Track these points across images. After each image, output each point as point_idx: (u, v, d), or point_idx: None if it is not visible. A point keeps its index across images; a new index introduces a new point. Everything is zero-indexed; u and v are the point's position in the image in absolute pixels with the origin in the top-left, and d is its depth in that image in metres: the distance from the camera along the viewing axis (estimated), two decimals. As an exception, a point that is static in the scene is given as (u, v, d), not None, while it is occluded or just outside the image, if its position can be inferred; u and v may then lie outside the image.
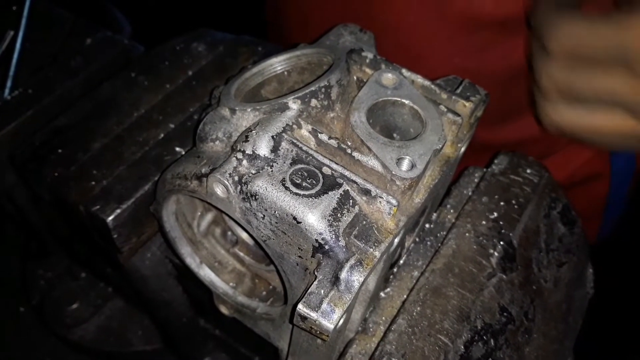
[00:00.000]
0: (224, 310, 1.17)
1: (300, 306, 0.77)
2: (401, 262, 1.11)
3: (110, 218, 1.10)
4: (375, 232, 0.82)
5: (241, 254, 1.13)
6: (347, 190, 0.83)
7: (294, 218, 0.80)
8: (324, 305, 0.77)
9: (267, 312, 1.07)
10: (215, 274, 1.15)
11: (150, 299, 1.53)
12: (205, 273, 1.14)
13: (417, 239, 1.13)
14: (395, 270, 1.09)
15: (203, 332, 1.73)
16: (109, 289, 1.90)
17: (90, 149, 1.22)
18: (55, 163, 1.20)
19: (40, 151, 1.24)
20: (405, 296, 1.04)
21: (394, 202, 0.81)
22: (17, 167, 1.36)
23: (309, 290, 0.78)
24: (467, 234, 1.05)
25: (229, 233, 1.18)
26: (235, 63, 1.39)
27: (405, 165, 0.83)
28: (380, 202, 0.82)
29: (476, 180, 1.21)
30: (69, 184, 1.15)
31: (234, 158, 0.85)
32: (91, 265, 1.82)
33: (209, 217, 1.15)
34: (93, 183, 1.14)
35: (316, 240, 0.80)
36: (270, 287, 1.17)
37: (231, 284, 1.16)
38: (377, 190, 0.82)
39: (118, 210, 1.10)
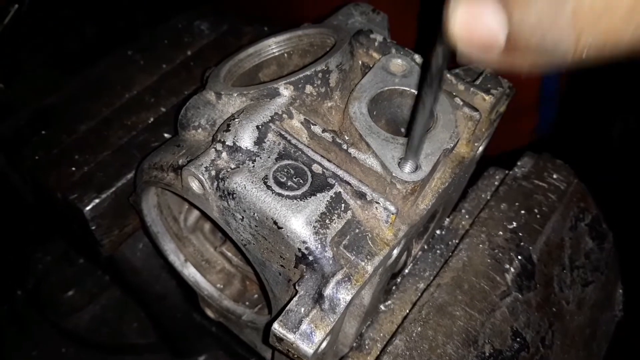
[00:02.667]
0: (209, 313, 1.08)
1: (275, 325, 0.66)
2: (406, 271, 1.00)
3: (88, 208, 1.01)
4: (370, 242, 0.70)
5: (229, 253, 1.03)
6: (340, 192, 0.72)
7: (275, 222, 0.69)
8: (304, 326, 0.66)
9: (253, 321, 0.97)
10: (202, 274, 1.05)
11: (142, 292, 1.45)
12: (190, 272, 1.04)
13: (425, 247, 1.02)
14: (399, 280, 0.98)
15: (199, 329, 1.64)
16: (105, 277, 1.82)
17: (75, 132, 1.13)
18: (36, 145, 1.11)
19: (23, 131, 1.15)
20: (408, 311, 0.92)
21: (392, 208, 0.70)
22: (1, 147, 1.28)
23: (288, 307, 0.67)
24: (480, 245, 0.93)
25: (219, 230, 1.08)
26: (239, 43, 1.28)
27: (408, 166, 0.71)
28: (376, 208, 0.71)
29: (496, 183, 1.08)
30: (49, 169, 1.07)
31: (213, 149, 0.74)
32: (86, 251, 1.74)
33: (197, 211, 1.04)
34: (73, 169, 1.05)
35: (299, 249, 0.69)
36: (262, 291, 1.07)
37: (219, 285, 1.06)
38: (374, 194, 0.71)
39: (97, 200, 1.01)
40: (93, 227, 1.03)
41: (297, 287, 0.68)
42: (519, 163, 1.06)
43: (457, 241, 1.01)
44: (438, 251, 1.01)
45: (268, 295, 0.83)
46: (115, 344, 1.76)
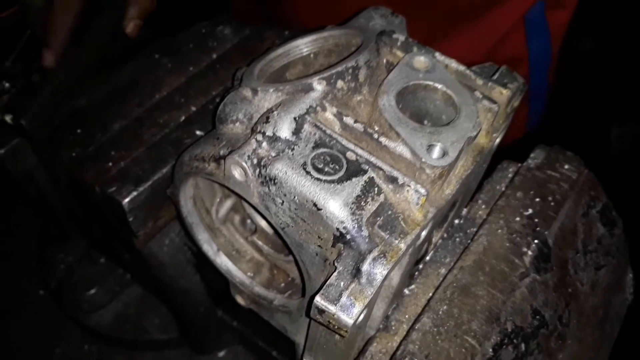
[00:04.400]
0: (240, 300, 1.13)
1: (318, 298, 0.71)
2: (427, 258, 1.05)
3: (127, 200, 1.06)
4: (402, 223, 0.76)
5: (260, 242, 1.08)
6: (372, 177, 0.78)
7: (315, 204, 0.75)
8: (344, 299, 0.71)
9: (285, 305, 1.02)
10: (233, 263, 1.11)
11: (167, 286, 1.50)
12: (223, 261, 1.10)
13: (445, 235, 1.07)
14: (420, 266, 1.03)
15: (220, 323, 1.69)
16: (127, 275, 1.87)
17: (109, 130, 1.18)
18: (72, 143, 1.17)
19: (58, 132, 1.21)
20: (430, 294, 0.98)
21: (422, 191, 0.76)
22: (36, 148, 1.34)
23: (328, 282, 0.73)
24: (499, 231, 0.98)
25: (248, 221, 1.13)
26: (261, 47, 1.34)
27: (436, 152, 0.77)
28: (407, 191, 0.77)
29: (510, 175, 1.14)
30: (86, 165, 1.12)
31: (254, 140, 0.80)
32: (110, 250, 1.79)
33: (228, 203, 1.10)
34: (110, 164, 1.11)
35: (337, 229, 0.74)
36: (289, 278, 1.12)
37: (249, 273, 1.12)
38: (405, 178, 0.77)
39: (134, 193, 1.07)
40: (131, 219, 1.08)
41: (336, 264, 0.74)
42: (532, 155, 1.12)
43: (475, 229, 1.06)
44: (457, 239, 1.06)
45: (301, 279, 0.89)
46: (136, 340, 1.81)
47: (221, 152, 0.85)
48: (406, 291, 1.00)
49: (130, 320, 1.83)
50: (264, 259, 1.12)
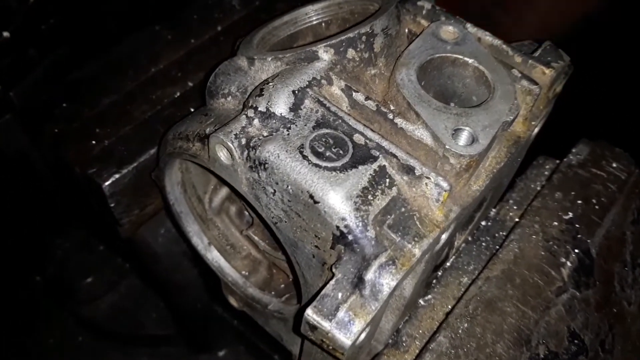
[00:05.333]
0: (232, 302, 1.00)
1: (309, 311, 0.58)
2: (448, 264, 0.91)
3: (107, 183, 0.94)
4: (417, 223, 0.62)
5: (256, 237, 0.95)
6: (384, 165, 0.64)
7: (311, 196, 0.61)
8: (341, 314, 0.58)
9: (280, 311, 0.89)
10: (226, 259, 0.98)
11: (161, 280, 1.39)
12: (214, 257, 0.97)
13: (469, 238, 0.93)
14: (439, 273, 0.90)
15: (220, 322, 1.57)
16: (126, 265, 1.77)
17: (98, 105, 1.07)
18: (57, 118, 1.05)
19: (46, 105, 1.10)
20: (450, 307, 0.84)
21: (445, 185, 0.62)
22: (24, 124, 1.23)
23: (323, 292, 0.59)
24: (533, 237, 0.84)
25: (246, 212, 1.00)
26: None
27: (463, 138, 0.63)
28: (426, 184, 0.63)
29: (547, 172, 0.99)
30: (68, 142, 1.01)
31: (244, 116, 0.67)
32: (108, 238, 1.68)
33: (224, 192, 0.97)
34: (93, 143, 0.99)
35: (337, 227, 0.61)
36: (290, 280, 0.99)
37: (243, 272, 0.99)
38: (424, 169, 0.63)
39: (117, 175, 0.95)
40: (112, 205, 0.97)
41: (334, 270, 0.60)
42: (574, 150, 0.97)
43: (504, 233, 0.93)
44: (483, 243, 0.92)
45: (298, 282, 0.75)
46: (132, 334, 1.71)
47: (207, 130, 0.72)
48: (421, 302, 0.87)
49: (126, 313, 1.73)
50: (261, 256, 0.99)
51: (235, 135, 0.65)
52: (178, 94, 1.06)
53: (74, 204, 1.57)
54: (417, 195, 0.64)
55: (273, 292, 0.98)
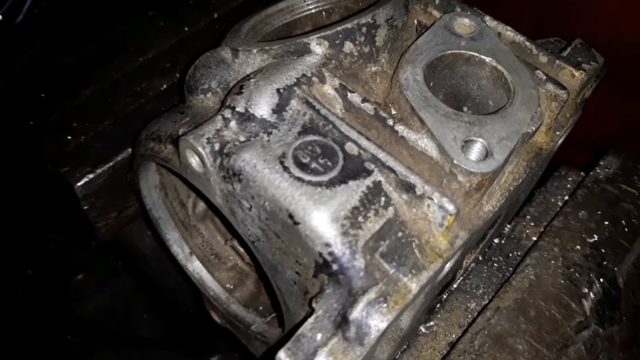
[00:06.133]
0: (215, 318, 0.91)
1: (281, 355, 0.49)
2: (455, 285, 0.81)
3: (80, 184, 0.85)
4: (416, 251, 0.52)
5: (242, 249, 0.86)
6: (380, 181, 0.54)
7: (290, 216, 0.51)
8: (319, 359, 0.48)
9: (263, 334, 0.80)
10: (209, 271, 0.89)
11: (150, 283, 1.30)
12: (195, 268, 0.88)
13: (480, 258, 0.83)
14: (445, 296, 0.80)
15: (213, 327, 1.48)
16: (118, 262, 1.68)
17: (78, 96, 0.98)
18: (33, 110, 0.96)
19: (23, 96, 1.01)
20: (454, 336, 0.75)
21: (450, 208, 0.52)
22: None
23: (300, 331, 0.50)
24: (552, 262, 0.74)
25: (233, 220, 0.91)
26: (273, 7, 1.12)
27: (475, 151, 0.53)
28: (429, 205, 0.53)
29: (570, 186, 0.89)
30: (42, 136, 0.92)
31: (220, 117, 0.58)
32: (83, 240, 1.61)
33: (209, 196, 0.88)
34: (69, 138, 0.90)
35: (320, 254, 0.51)
36: (279, 295, 0.90)
37: (228, 285, 0.90)
38: (426, 187, 0.53)
39: (91, 175, 0.86)
40: (85, 207, 0.88)
41: (314, 305, 0.51)
42: (601, 163, 0.87)
43: (519, 253, 0.83)
44: (495, 264, 0.83)
45: (279, 304, 0.66)
46: (122, 336, 1.62)
47: (180, 131, 0.63)
48: (422, 328, 0.77)
49: (117, 314, 1.65)
50: (249, 268, 0.90)
51: (208, 139, 0.56)
52: (165, 86, 0.98)
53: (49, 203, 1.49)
54: (417, 218, 0.54)
55: (261, 308, 0.89)
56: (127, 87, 0.98)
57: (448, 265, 0.55)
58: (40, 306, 1.74)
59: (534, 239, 0.84)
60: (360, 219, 0.52)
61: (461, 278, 0.83)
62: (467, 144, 0.53)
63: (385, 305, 0.49)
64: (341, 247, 0.51)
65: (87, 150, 0.89)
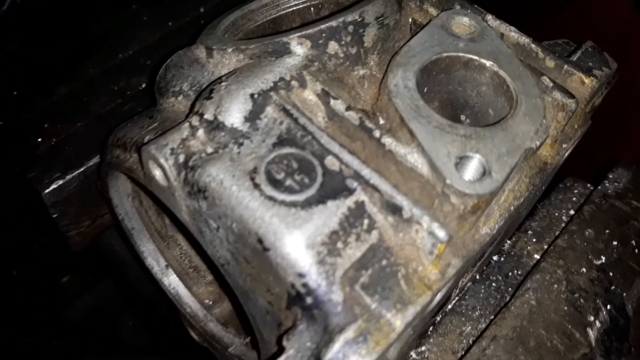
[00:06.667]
0: (194, 335, 0.85)
1: (245, 401, 0.42)
2: (450, 306, 0.75)
3: (48, 191, 0.79)
4: (402, 282, 0.46)
5: (211, 271, 0.80)
6: (363, 201, 0.48)
7: (260, 240, 0.45)
8: (288, 408, 0.42)
9: (241, 357, 0.74)
10: (187, 285, 0.83)
11: (131, 291, 1.24)
12: (171, 282, 0.82)
13: (477, 276, 0.77)
14: (438, 318, 0.74)
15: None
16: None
17: (53, 94, 0.92)
18: (4, 109, 0.90)
19: (-1, 91, 0.95)
20: (447, 364, 0.68)
21: (441, 235, 0.46)
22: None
23: (267, 374, 0.43)
24: (555, 286, 0.68)
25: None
26: (263, 3, 1.05)
27: (471, 169, 0.47)
28: (417, 231, 0.46)
29: (576, 199, 0.83)
30: (11, 138, 0.86)
31: (187, 124, 0.52)
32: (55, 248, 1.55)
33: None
34: (39, 140, 0.84)
35: (292, 285, 0.45)
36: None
37: (207, 300, 0.84)
38: (415, 210, 0.46)
39: (60, 182, 0.80)
40: (55, 215, 0.82)
41: (284, 343, 0.45)
42: (610, 176, 0.81)
43: (519, 272, 0.77)
44: (494, 284, 0.77)
45: (253, 334, 0.60)
46: (108, 342, 1.57)
47: (145, 139, 0.57)
48: (413, 354, 0.71)
49: (102, 318, 1.59)
50: (229, 282, 0.84)
51: (172, 150, 0.50)
52: (144, 85, 0.92)
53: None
54: (405, 243, 0.48)
55: (236, 330, 0.82)
56: (105, 86, 0.92)
57: (439, 296, 0.49)
58: (26, 309, 1.69)
59: (536, 256, 0.78)
60: (339, 245, 0.46)
61: (457, 298, 0.77)
62: (462, 160, 0.47)
63: (364, 346, 0.43)
64: (316, 278, 0.44)
65: (57, 153, 0.83)
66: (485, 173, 0.47)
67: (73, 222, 0.86)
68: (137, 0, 1.10)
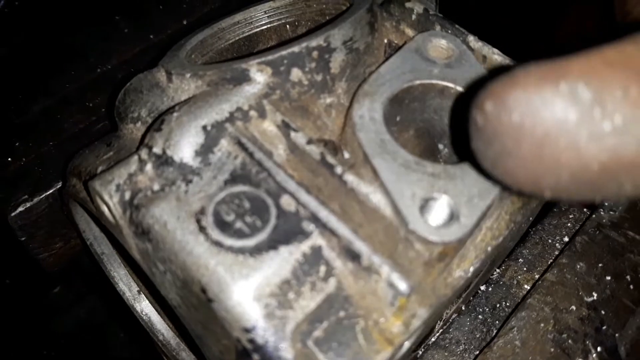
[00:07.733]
0: (167, 364, 0.82)
1: None
2: (433, 339, 0.71)
3: (14, 214, 0.76)
4: (360, 337, 0.42)
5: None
6: (320, 246, 0.44)
7: (203, 290, 0.41)
8: None
9: (211, 393, 0.70)
10: (159, 312, 0.79)
11: (118, 304, 1.20)
12: (144, 308, 0.79)
13: (463, 307, 0.73)
14: (420, 352, 0.70)
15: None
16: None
17: (26, 111, 0.89)
18: (-23, 124, 0.87)
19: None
20: (427, 403, 0.64)
21: (402, 287, 0.41)
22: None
23: None
24: (542, 325, 0.64)
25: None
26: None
27: (437, 213, 0.43)
28: (376, 280, 0.42)
29: (570, 225, 0.78)
30: (-19, 156, 0.83)
31: (136, 158, 0.48)
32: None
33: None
34: (9, 160, 0.81)
35: (238, 340, 0.41)
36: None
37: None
38: (374, 257, 0.42)
39: (28, 204, 0.76)
40: (23, 238, 0.78)
41: (230, 403, 0.41)
42: (606, 203, 0.75)
43: (507, 304, 0.73)
44: (480, 316, 0.73)
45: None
46: (98, 354, 1.54)
47: (99, 169, 0.53)
48: (392, 391, 0.66)
49: (93, 330, 1.57)
50: (204, 309, 0.80)
51: (118, 186, 0.46)
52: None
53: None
54: (365, 292, 0.44)
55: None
56: (80, 102, 0.89)
57: (403, 351, 0.45)
58: (16, 320, 1.67)
59: (526, 287, 0.73)
60: (290, 295, 0.42)
61: (440, 330, 0.73)
62: (428, 202, 0.43)
63: (314, 411, 0.39)
64: (264, 334, 0.40)
65: (26, 174, 0.79)
66: (453, 217, 0.43)
67: (43, 245, 0.82)
68: (119, 11, 1.06)
